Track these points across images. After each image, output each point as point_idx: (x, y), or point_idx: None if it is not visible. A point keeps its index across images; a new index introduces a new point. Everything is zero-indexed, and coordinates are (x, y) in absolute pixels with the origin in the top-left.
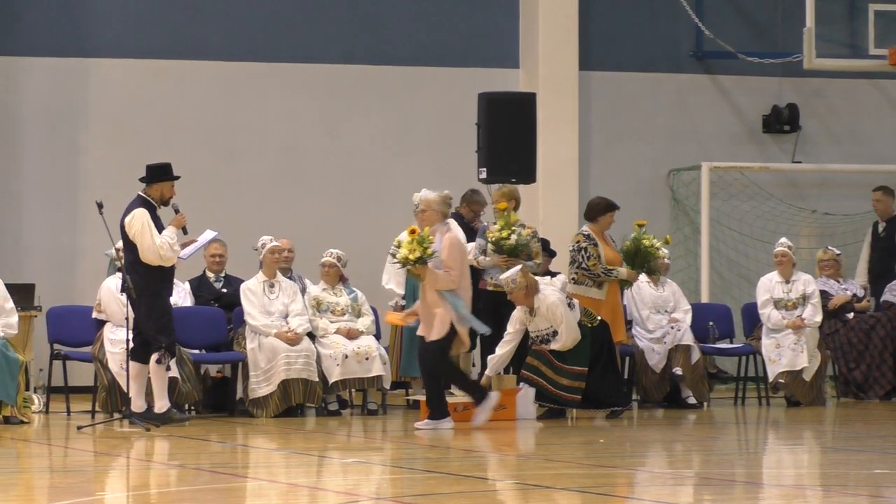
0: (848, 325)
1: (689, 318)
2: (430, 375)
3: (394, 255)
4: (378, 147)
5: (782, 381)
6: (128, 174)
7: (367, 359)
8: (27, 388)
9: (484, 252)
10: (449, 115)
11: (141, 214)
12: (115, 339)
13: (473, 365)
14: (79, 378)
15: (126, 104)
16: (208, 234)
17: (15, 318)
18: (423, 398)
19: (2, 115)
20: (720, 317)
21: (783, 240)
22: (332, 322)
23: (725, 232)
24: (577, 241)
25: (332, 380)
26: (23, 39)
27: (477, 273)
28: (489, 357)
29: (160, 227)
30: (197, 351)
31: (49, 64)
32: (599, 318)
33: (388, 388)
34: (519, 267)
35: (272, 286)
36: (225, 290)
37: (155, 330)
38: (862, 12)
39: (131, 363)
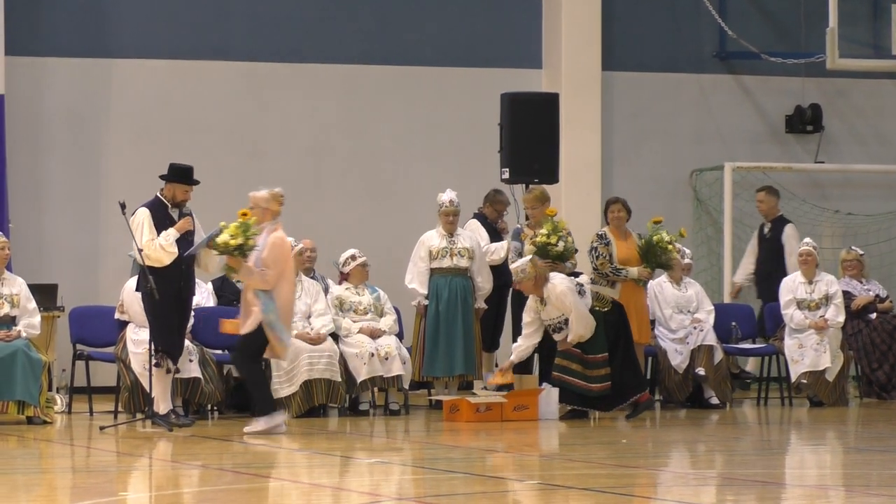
0: (871, 325)
1: (711, 319)
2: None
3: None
4: (401, 147)
5: (805, 381)
6: (150, 175)
7: (387, 359)
8: (50, 389)
9: (520, 254)
10: (471, 116)
11: (140, 213)
12: (138, 340)
13: (496, 365)
14: (101, 378)
15: (149, 105)
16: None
17: (38, 319)
18: (445, 398)
19: (25, 115)
20: (743, 317)
21: (807, 240)
22: (354, 322)
23: (748, 232)
24: (592, 242)
25: (360, 378)
26: (46, 40)
27: (502, 273)
28: (513, 345)
29: (167, 227)
30: (220, 351)
31: (72, 64)
32: (612, 300)
33: (407, 387)
34: (528, 258)
35: (294, 286)
36: None
37: (153, 331)
38: (885, 12)
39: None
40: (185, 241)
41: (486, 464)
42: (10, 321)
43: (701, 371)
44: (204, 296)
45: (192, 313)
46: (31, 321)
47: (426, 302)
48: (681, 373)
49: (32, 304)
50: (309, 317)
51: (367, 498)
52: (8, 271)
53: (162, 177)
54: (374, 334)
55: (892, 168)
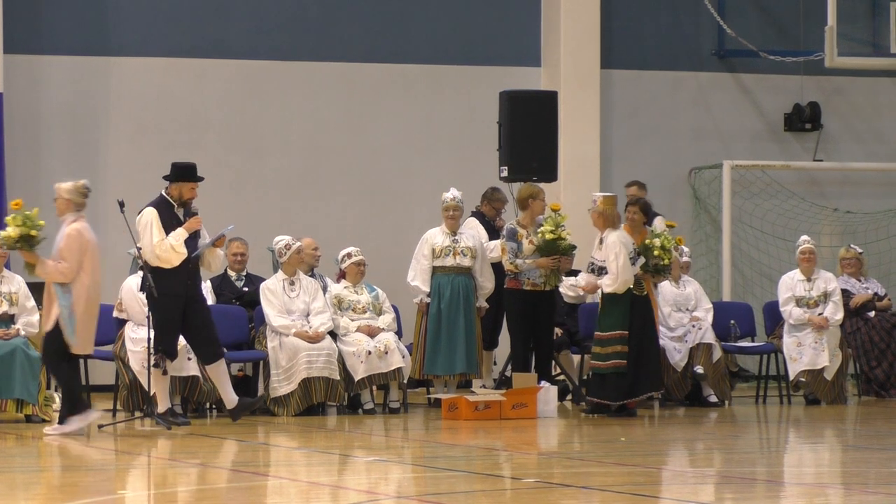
0: (869, 323)
1: (710, 317)
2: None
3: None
4: (400, 145)
5: (803, 379)
6: (149, 173)
7: (386, 353)
8: (48, 387)
9: (516, 254)
10: (471, 114)
11: (148, 213)
12: (136, 338)
13: (495, 363)
14: (100, 377)
15: (148, 103)
16: (226, 230)
17: (36, 317)
18: (444, 396)
19: (24, 113)
20: (742, 315)
21: (806, 237)
22: (353, 320)
23: (747, 230)
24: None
25: (357, 377)
26: (45, 38)
27: (502, 271)
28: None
29: (175, 227)
30: None
31: (71, 62)
32: (646, 293)
33: (406, 381)
34: (608, 194)
35: (293, 284)
36: (246, 289)
37: (156, 331)
38: (884, 10)
39: (206, 367)
40: (191, 240)
41: (485, 462)
42: (8, 319)
43: (700, 369)
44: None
45: None
46: (29, 319)
47: (428, 300)
48: (679, 371)
49: (31, 303)
50: (308, 315)
51: (365, 496)
52: (7, 269)
53: (166, 177)
54: (373, 333)
55: (891, 166)
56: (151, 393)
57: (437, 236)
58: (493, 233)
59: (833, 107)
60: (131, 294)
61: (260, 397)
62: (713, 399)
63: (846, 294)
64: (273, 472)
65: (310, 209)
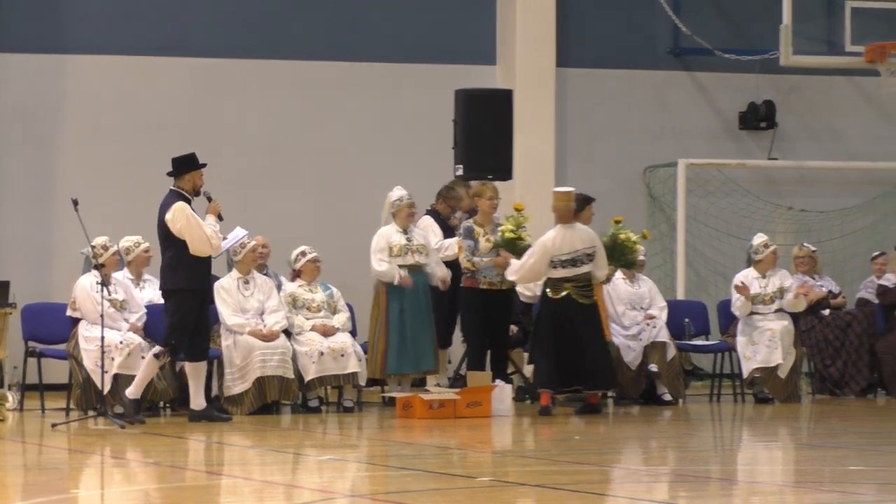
0: (824, 321)
1: (664, 315)
2: None
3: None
4: (356, 144)
5: (758, 375)
6: (105, 171)
7: (342, 355)
8: (1, 386)
9: (473, 252)
10: (426, 112)
11: (182, 208)
12: (90, 337)
13: (450, 362)
14: (53, 375)
15: (104, 101)
16: (240, 232)
17: None
18: (399, 395)
19: None
20: (696, 313)
21: (761, 234)
22: (307, 319)
23: (702, 229)
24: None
25: (308, 377)
26: (0, 35)
27: (459, 269)
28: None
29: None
30: None
31: (27, 60)
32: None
33: (363, 385)
34: (560, 190)
35: (247, 283)
36: None
37: (171, 326)
38: (839, 9)
39: (186, 365)
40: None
41: (440, 460)
42: None
43: (654, 367)
44: (158, 293)
45: (146, 310)
46: None
47: (406, 273)
48: (634, 369)
49: None
50: (262, 313)
51: (319, 495)
52: None
53: (173, 173)
54: (328, 332)
55: (846, 165)
56: (105, 391)
57: (392, 235)
58: (448, 231)
59: (788, 105)
60: (85, 293)
61: (225, 418)
62: (667, 397)
63: None
64: (227, 471)
65: (266, 208)
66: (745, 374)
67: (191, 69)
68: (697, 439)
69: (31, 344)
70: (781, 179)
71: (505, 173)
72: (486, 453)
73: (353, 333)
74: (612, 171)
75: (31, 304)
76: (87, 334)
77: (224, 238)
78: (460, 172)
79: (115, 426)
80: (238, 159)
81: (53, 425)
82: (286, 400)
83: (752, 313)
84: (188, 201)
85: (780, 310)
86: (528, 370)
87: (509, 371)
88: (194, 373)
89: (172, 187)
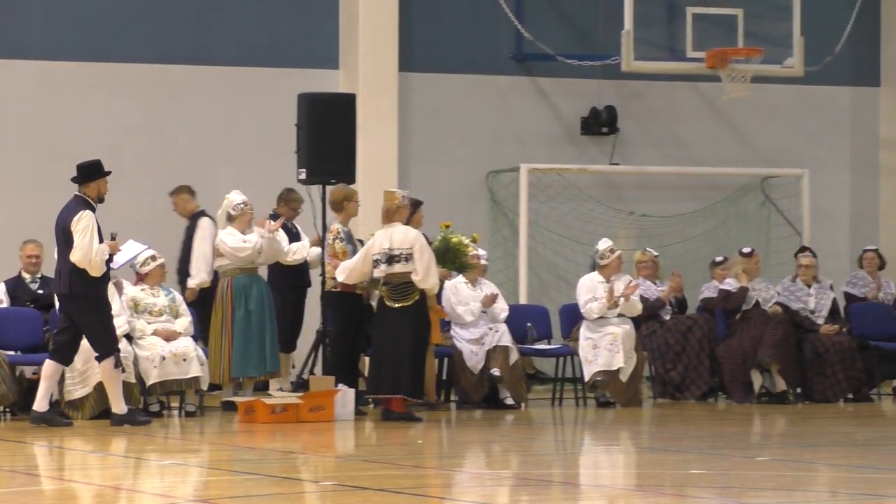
0: (665, 325)
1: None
2: None
3: None
4: (199, 148)
5: (599, 379)
6: None
7: (184, 360)
8: None
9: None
10: (269, 116)
11: (88, 217)
12: None
13: (293, 367)
14: None
15: None
16: (135, 247)
17: None
18: (241, 399)
19: None
20: (538, 318)
21: (605, 240)
22: (149, 323)
23: (544, 233)
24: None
25: (149, 382)
26: None
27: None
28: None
29: (98, 229)
30: (13, 352)
31: None
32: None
33: (206, 389)
34: (390, 190)
35: None
36: (41, 292)
37: (105, 332)
38: (680, 15)
39: (47, 363)
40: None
41: (283, 465)
42: None
43: (496, 372)
44: None
45: None
46: None
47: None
48: (476, 373)
49: None
50: None
51: (161, 500)
52: None
53: (81, 179)
54: (169, 336)
55: (687, 170)
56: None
57: (234, 237)
58: (292, 235)
59: (630, 111)
60: None
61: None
62: (510, 401)
63: (642, 298)
64: (67, 475)
65: (109, 211)
66: (587, 377)
67: (32, 72)
68: (539, 443)
69: None
70: (623, 184)
71: (348, 177)
72: (330, 457)
73: (195, 338)
74: (455, 176)
75: None
76: None
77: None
78: (303, 177)
79: None
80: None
81: None
82: (128, 404)
83: (600, 318)
84: (93, 209)
85: (622, 315)
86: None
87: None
88: (110, 376)
89: (77, 193)
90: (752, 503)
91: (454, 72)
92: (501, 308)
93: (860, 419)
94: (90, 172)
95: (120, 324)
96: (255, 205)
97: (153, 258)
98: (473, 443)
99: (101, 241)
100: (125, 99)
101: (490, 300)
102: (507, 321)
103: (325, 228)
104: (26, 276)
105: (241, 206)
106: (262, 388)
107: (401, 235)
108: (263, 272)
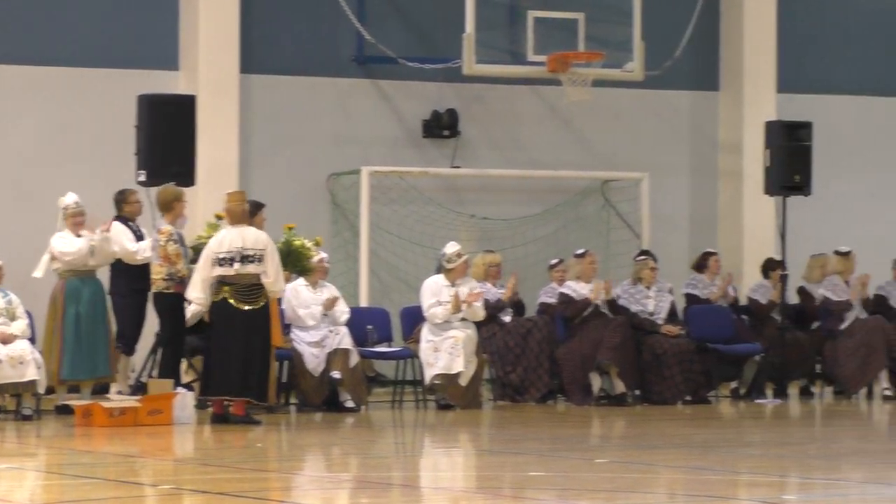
0: (505, 328)
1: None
2: None
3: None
4: (36, 149)
5: (438, 382)
6: None
7: (21, 363)
8: None
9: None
10: (109, 117)
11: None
12: None
13: (133, 370)
14: None
15: None
16: None
17: None
18: (78, 402)
19: None
20: (379, 321)
21: (457, 244)
22: None
23: (385, 236)
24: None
25: None
26: None
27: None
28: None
29: None
30: None
31: None
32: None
33: (42, 392)
34: (233, 191)
35: None
36: None
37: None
38: (521, 19)
39: None
40: None
41: (120, 468)
42: None
43: (337, 374)
44: None
45: None
46: None
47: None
48: (317, 376)
49: None
50: None
51: None
52: None
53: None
54: (6, 340)
55: (528, 173)
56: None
57: (69, 241)
58: (138, 237)
59: (471, 114)
60: None
61: None
62: (350, 404)
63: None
64: None
65: None
66: (427, 380)
67: None
68: (380, 446)
69: None
70: (464, 187)
71: (188, 179)
72: (168, 461)
73: (32, 341)
74: (296, 178)
75: None
76: None
77: None
78: (143, 178)
79: None
80: None
81: None
82: None
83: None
84: None
85: (463, 318)
86: None
87: (192, 379)
88: None
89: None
90: None
91: (296, 74)
92: (342, 311)
93: (698, 421)
94: None
95: None
96: (96, 207)
97: None
98: (313, 445)
99: None
100: None
101: (331, 303)
102: (348, 324)
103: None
104: None
105: (74, 207)
106: (102, 391)
107: (253, 236)
108: (105, 274)
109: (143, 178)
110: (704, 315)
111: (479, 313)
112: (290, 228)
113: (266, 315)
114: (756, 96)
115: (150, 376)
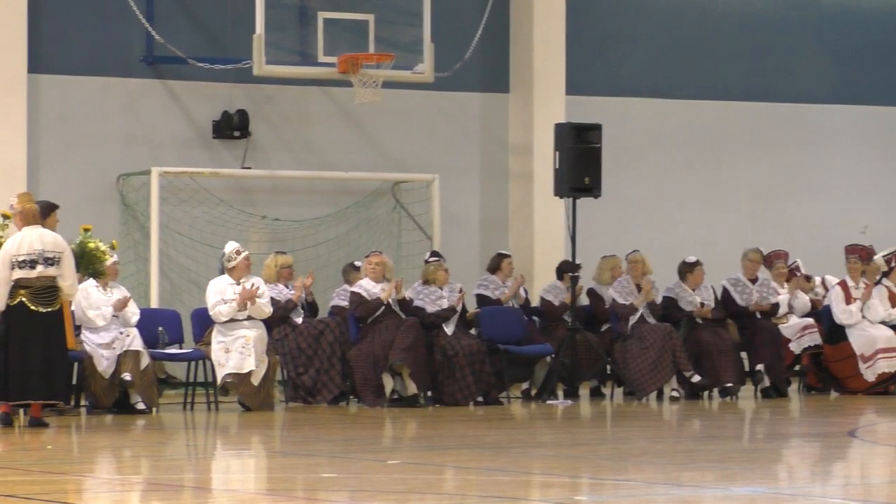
0: (297, 329)
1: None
2: None
3: None
4: None
5: (229, 381)
6: None
7: None
8: None
9: None
10: None
11: None
12: None
13: None
14: None
15: None
16: None
17: None
18: None
19: None
20: (170, 322)
21: (235, 243)
22: None
23: (176, 237)
24: None
25: None
26: None
27: None
28: None
29: None
30: None
31: None
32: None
33: None
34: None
35: None
36: None
37: None
38: (312, 20)
39: None
40: None
41: None
42: None
43: (127, 376)
44: None
45: None
46: None
47: None
48: (107, 378)
49: None
50: None
51: None
52: None
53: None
54: None
55: (318, 174)
56: None
57: None
58: None
59: (262, 115)
60: None
61: None
62: (141, 406)
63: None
64: None
65: None
66: (219, 381)
67: None
68: (171, 448)
69: None
70: (255, 188)
71: None
72: None
73: None
74: (86, 179)
75: None
76: None
77: None
78: None
79: None
80: None
81: None
82: None
83: (231, 320)
84: None
85: (251, 317)
86: None
87: None
88: None
89: None
90: None
91: (84, 74)
92: (133, 312)
93: (490, 422)
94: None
95: None
96: None
97: None
98: (104, 448)
99: None
100: None
101: (122, 304)
102: (139, 325)
103: None
104: None
105: None
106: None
107: (52, 238)
108: None
109: None
110: (495, 316)
111: (265, 310)
112: (87, 230)
113: (62, 317)
114: (546, 98)
115: None
